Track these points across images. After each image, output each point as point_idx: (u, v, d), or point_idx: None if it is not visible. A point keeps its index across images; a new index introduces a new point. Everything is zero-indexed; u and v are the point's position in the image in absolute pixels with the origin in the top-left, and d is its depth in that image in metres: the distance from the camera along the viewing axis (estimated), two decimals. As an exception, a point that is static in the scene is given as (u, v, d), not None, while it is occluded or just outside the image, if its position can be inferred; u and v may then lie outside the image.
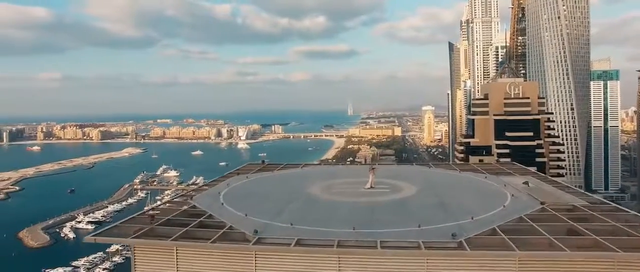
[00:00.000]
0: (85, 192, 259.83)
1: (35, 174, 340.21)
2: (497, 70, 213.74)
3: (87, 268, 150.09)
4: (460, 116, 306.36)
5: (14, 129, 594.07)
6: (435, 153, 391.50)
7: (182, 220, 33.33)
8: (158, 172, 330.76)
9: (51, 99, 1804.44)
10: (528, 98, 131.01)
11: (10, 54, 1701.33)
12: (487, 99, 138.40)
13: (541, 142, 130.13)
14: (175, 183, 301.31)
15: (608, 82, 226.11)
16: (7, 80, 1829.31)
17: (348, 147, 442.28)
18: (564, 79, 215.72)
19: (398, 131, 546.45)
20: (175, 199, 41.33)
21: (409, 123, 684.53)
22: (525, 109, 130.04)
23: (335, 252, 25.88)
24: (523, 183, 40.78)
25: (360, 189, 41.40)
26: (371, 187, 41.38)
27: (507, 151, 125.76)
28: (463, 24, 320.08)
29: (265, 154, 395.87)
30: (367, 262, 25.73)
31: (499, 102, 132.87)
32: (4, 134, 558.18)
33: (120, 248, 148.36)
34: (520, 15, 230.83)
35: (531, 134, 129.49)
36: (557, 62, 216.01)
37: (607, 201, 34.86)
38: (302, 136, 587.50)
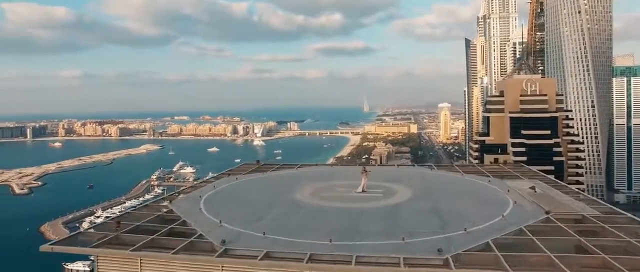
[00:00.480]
0: (104, 188, 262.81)
1: (57, 169, 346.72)
2: (514, 66, 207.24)
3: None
4: (477, 113, 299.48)
5: (37, 125, 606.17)
6: (452, 151, 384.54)
7: (152, 227, 31.16)
8: (175, 169, 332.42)
9: (72, 96, 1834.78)
10: (545, 95, 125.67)
11: (35, 52, 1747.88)
12: (503, 96, 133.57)
13: (559, 140, 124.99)
14: (191, 180, 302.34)
15: (631, 78, 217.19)
16: (32, 78, 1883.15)
17: (363, 144, 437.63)
18: (584, 75, 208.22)
19: (414, 128, 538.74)
20: (153, 203, 39.07)
21: (425, 120, 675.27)
22: (542, 107, 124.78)
23: (306, 267, 23.18)
24: (529, 188, 37.33)
25: (352, 193, 38.56)
26: (363, 191, 38.49)
27: (523, 149, 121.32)
28: (480, 20, 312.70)
29: (280, 151, 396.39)
30: (340, 279, 22.99)
31: (515, 99, 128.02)
32: (28, 130, 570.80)
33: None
34: (538, 11, 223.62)
35: (548, 132, 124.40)
36: (577, 58, 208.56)
37: (622, 211, 30.91)
38: (318, 133, 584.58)
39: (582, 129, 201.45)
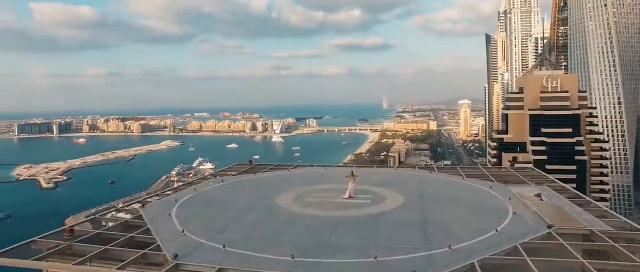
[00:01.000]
0: (125, 183, 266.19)
1: (81, 164, 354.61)
2: (535, 62, 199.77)
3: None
4: (498, 110, 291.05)
5: (62, 122, 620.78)
6: (472, 148, 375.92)
7: (112, 235, 28.95)
8: (194, 165, 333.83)
9: (96, 93, 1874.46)
10: (567, 92, 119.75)
11: (61, 51, 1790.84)
12: (522, 92, 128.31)
13: (581, 139, 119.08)
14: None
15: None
16: (58, 76, 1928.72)
17: (382, 141, 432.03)
18: (610, 71, 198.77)
19: (433, 125, 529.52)
20: (127, 206, 36.68)
21: (445, 117, 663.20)
22: (564, 104, 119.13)
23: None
24: (535, 195, 33.40)
25: (338, 198, 35.36)
26: (350, 196, 35.21)
27: (543, 148, 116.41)
28: (501, 15, 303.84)
29: (298, 148, 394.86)
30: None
31: (535, 96, 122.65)
32: (54, 126, 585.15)
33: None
34: (561, 4, 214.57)
35: (570, 130, 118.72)
36: (603, 53, 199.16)
37: (638, 226, 26.64)
38: (336, 130, 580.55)
39: (607, 127, 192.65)
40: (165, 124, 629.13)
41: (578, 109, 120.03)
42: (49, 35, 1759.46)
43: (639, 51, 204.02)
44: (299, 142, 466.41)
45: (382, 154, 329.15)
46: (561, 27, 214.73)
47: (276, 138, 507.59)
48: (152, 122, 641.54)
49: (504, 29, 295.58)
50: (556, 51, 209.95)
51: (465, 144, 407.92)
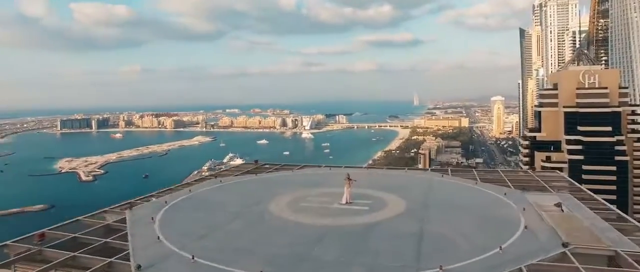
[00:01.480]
0: (158, 178, 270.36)
1: (117, 159, 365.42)
2: (572, 57, 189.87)
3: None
4: (532, 107, 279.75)
5: (100, 118, 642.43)
6: (505, 146, 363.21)
7: (86, 239, 27.63)
8: (225, 160, 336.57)
9: (132, 89, 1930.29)
10: (606, 88, 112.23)
11: (98, 49, 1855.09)
12: (556, 89, 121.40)
13: (622, 138, 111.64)
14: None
15: None
16: (96, 73, 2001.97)
17: (412, 138, 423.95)
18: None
19: (465, 122, 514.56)
20: (114, 208, 35.17)
21: (477, 114, 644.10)
22: (602, 101, 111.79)
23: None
24: (554, 205, 29.63)
25: (334, 204, 32.65)
26: (347, 202, 32.43)
27: (579, 147, 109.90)
28: (536, 8, 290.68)
29: (328, 144, 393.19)
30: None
31: (571, 92, 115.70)
32: (93, 122, 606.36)
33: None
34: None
35: (609, 128, 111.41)
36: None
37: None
38: (366, 127, 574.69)
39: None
40: (198, 120, 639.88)
41: (618, 106, 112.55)
42: (87, 34, 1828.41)
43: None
44: (329, 138, 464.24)
45: (413, 151, 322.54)
46: (601, 20, 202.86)
47: (306, 134, 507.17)
48: (184, 118, 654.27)
49: (539, 23, 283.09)
50: (595, 45, 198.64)
51: (498, 142, 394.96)
